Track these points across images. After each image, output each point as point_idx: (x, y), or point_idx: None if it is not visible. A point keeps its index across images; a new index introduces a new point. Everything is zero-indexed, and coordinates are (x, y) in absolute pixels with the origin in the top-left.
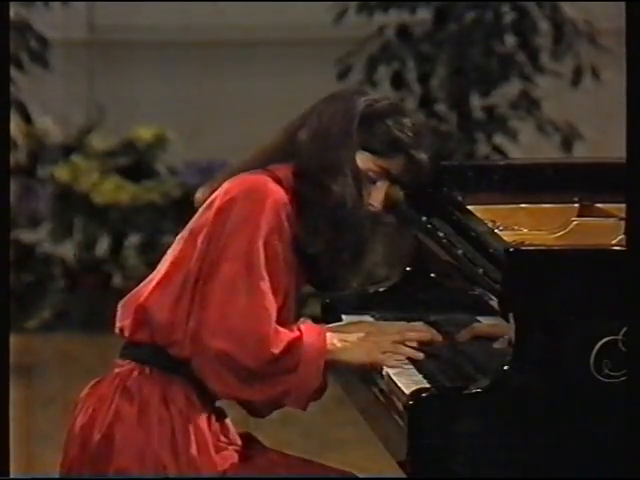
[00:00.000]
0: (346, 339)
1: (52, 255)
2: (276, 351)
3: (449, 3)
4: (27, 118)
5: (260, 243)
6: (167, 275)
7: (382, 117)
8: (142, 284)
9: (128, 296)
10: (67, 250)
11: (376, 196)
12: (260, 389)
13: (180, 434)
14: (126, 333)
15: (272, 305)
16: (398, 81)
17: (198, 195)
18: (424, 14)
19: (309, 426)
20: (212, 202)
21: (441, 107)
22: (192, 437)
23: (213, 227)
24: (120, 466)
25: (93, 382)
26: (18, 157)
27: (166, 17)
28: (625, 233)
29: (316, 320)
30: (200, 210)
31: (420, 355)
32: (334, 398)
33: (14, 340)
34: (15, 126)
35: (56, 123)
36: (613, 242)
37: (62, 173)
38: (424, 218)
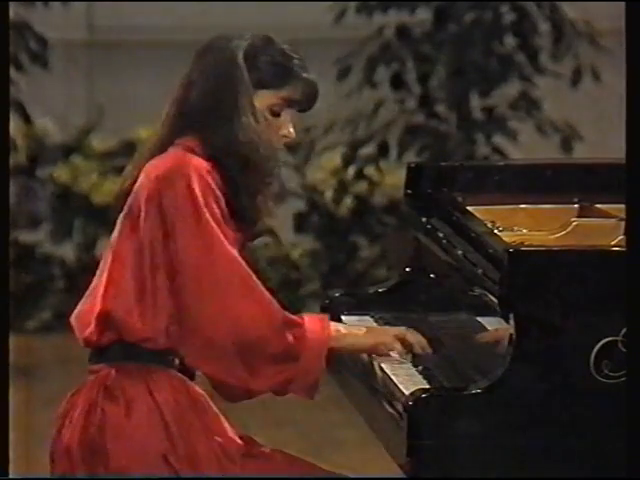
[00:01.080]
0: (351, 326)
1: (52, 256)
2: (282, 315)
3: (448, 3)
4: (27, 119)
5: (207, 215)
6: (116, 275)
7: (264, 51)
8: (87, 294)
9: (78, 310)
10: (67, 251)
11: (286, 127)
12: (265, 377)
13: (172, 422)
14: (93, 339)
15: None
16: (398, 81)
17: (117, 189)
18: (424, 14)
19: (307, 427)
20: (138, 192)
21: (441, 108)
22: (185, 423)
23: (150, 216)
24: (119, 465)
25: (69, 395)
26: (18, 158)
27: (166, 18)
28: (625, 234)
29: None
30: (128, 203)
31: (428, 349)
32: (333, 399)
33: (14, 341)
34: (15, 127)
35: (56, 124)
36: (613, 243)
37: (62, 174)
38: (424, 219)
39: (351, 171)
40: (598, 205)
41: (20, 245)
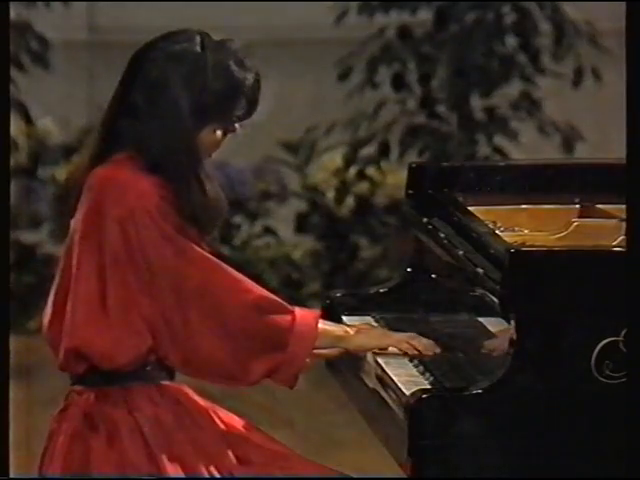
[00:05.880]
0: (358, 326)
1: (53, 256)
2: (270, 301)
3: (450, 4)
4: (28, 119)
5: (167, 226)
6: (82, 302)
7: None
8: (47, 315)
9: (48, 320)
10: None
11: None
12: (254, 373)
13: (154, 438)
14: (68, 369)
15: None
16: (399, 82)
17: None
18: (425, 15)
19: (307, 427)
20: (93, 210)
21: (442, 108)
22: (171, 437)
23: (112, 237)
24: None
25: (57, 412)
26: (19, 158)
27: (166, 18)
28: (625, 234)
29: None
30: (83, 218)
31: (437, 349)
32: (333, 399)
33: (14, 341)
34: (16, 127)
35: (57, 124)
36: (614, 243)
37: (63, 174)
38: (425, 219)
39: (352, 171)
40: (599, 205)
41: (21, 245)
